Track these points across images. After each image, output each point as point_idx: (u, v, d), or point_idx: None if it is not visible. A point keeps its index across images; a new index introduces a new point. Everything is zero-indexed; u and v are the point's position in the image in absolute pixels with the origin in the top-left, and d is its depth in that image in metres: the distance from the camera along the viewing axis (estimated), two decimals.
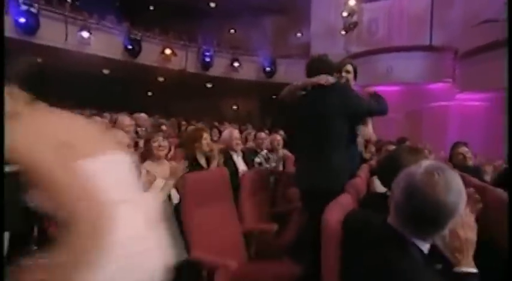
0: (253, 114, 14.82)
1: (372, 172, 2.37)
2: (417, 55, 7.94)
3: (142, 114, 6.50)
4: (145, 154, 2.45)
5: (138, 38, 9.72)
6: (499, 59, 6.54)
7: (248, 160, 3.56)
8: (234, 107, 15.25)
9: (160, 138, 2.41)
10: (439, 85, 8.04)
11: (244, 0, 11.84)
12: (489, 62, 6.80)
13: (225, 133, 3.51)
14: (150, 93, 15.03)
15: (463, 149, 3.53)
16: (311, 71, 2.01)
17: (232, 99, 15.06)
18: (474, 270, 0.90)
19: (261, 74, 11.38)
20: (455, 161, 3.45)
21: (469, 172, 2.59)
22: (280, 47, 12.09)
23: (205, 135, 2.93)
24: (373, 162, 3.10)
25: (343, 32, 9.00)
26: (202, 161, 2.97)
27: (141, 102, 13.00)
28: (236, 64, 11.21)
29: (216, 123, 7.70)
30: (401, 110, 7.74)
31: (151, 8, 14.06)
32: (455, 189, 0.83)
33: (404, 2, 9.02)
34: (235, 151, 3.44)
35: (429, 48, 8.18)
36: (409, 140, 5.28)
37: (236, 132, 3.50)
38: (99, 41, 8.84)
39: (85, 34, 8.45)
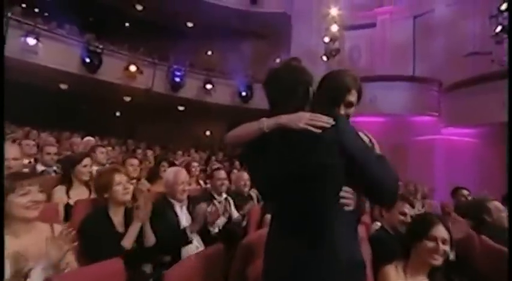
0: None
1: None
2: (401, 85, 7.49)
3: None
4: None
5: (99, 51, 8.63)
6: (484, 93, 6.18)
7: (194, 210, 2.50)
8: (207, 133, 14.27)
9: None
10: (425, 118, 7.55)
11: (223, 22, 11.38)
12: (475, 96, 6.42)
13: (168, 174, 2.47)
14: (118, 114, 13.84)
15: (464, 192, 3.87)
16: (280, 95, 1.11)
17: (205, 124, 14.12)
18: None
19: (236, 98, 10.59)
20: (458, 202, 3.72)
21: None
22: (258, 71, 11.51)
23: (119, 178, 1.91)
24: None
25: (324, 58, 8.47)
26: (117, 220, 1.92)
27: (105, 123, 11.89)
28: (209, 86, 10.37)
29: (180, 152, 6.63)
30: (387, 143, 7.12)
31: (127, 24, 13.37)
32: None
33: (386, 31, 8.75)
34: (180, 200, 2.41)
35: (413, 79, 7.78)
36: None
37: (183, 174, 2.47)
38: (49, 51, 7.70)
39: (31, 41, 7.27)
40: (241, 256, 1.67)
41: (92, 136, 7.54)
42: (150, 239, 1.94)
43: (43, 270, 1.25)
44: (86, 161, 2.47)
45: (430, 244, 1.46)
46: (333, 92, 1.16)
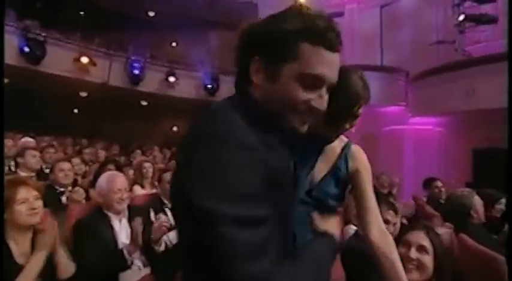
0: None
1: None
2: (369, 75, 7.15)
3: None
4: None
5: (41, 39, 7.63)
6: (449, 82, 6.23)
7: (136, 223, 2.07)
8: (175, 129, 13.62)
9: None
10: (394, 108, 7.56)
11: (188, 12, 10.74)
12: (440, 85, 6.46)
13: (102, 181, 2.01)
14: (75, 111, 12.75)
15: (438, 183, 3.85)
16: None
17: (171, 120, 13.45)
18: None
19: (202, 91, 10.06)
20: (432, 194, 3.76)
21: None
22: (225, 62, 11.04)
23: (24, 193, 1.45)
24: None
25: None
26: (18, 248, 1.45)
27: (63, 121, 10.88)
28: (172, 79, 9.72)
29: (138, 151, 6.06)
30: (357, 134, 7.06)
31: (82, 13, 12.26)
32: None
33: (354, 21, 8.64)
34: (118, 212, 1.98)
35: (381, 68, 7.75)
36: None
37: (121, 180, 2.04)
38: None
39: None
40: None
41: (44, 136, 6.75)
42: (67, 269, 1.51)
43: None
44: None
45: (402, 250, 1.18)
46: (342, 106, 0.87)
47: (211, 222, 0.52)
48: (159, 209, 2.40)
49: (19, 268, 1.37)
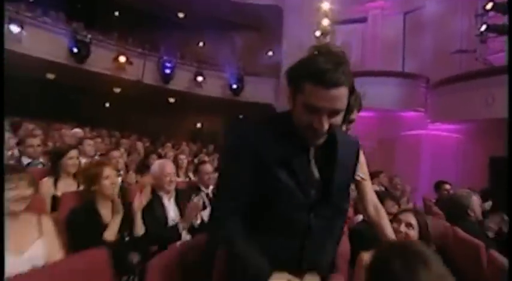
0: (218, 133, 13.92)
1: None
2: (391, 81, 7.60)
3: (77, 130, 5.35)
4: None
5: (87, 41, 8.44)
6: (469, 90, 6.34)
7: (184, 202, 2.54)
8: (198, 125, 14.23)
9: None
10: (412, 114, 7.72)
11: (215, 14, 11.25)
12: (459, 92, 6.58)
13: (155, 166, 2.49)
14: (107, 105, 13.65)
15: (447, 186, 4.13)
16: None
17: (196, 117, 14.06)
18: None
19: (227, 91, 10.56)
20: (441, 196, 4.03)
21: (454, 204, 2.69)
22: (250, 64, 11.47)
23: (108, 171, 1.93)
24: None
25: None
26: (104, 212, 1.95)
27: (96, 114, 11.73)
28: (200, 78, 10.30)
29: (169, 145, 6.63)
30: (374, 137, 7.27)
31: (117, 13, 13.08)
32: None
33: (377, 27, 8.82)
34: (167, 192, 2.44)
35: (402, 74, 7.91)
36: (383, 171, 4.80)
37: (170, 166, 2.49)
38: (34, 39, 7.49)
39: (15, 28, 7.05)
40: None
41: (82, 127, 7.47)
42: (139, 229, 2.00)
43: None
44: (72, 153, 2.47)
45: (394, 225, 1.55)
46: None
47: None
48: (196, 193, 2.88)
49: (105, 226, 1.87)
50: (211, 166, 3.09)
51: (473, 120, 6.49)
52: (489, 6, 5.51)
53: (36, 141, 3.05)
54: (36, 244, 1.45)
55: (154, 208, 2.31)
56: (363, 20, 9.04)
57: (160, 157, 3.79)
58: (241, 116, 14.02)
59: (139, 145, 5.28)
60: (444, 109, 7.10)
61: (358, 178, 1.40)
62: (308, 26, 9.00)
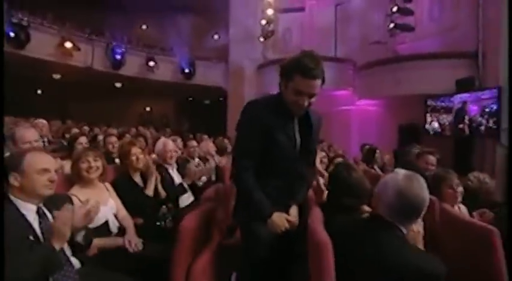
0: (169, 117, 14.15)
1: None
2: (325, 65, 8.74)
3: (41, 120, 5.38)
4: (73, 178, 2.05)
5: (25, 24, 7.98)
6: (384, 73, 7.92)
7: (182, 171, 3.38)
8: (147, 109, 14.24)
9: (91, 157, 2.05)
10: (343, 92, 9.23)
11: None
12: (377, 75, 8.15)
13: (159, 144, 3.24)
14: (39, 92, 12.75)
15: (367, 147, 5.01)
16: None
17: (145, 101, 14.03)
18: None
19: (178, 75, 10.90)
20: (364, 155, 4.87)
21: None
22: (198, 48, 11.85)
23: (134, 150, 2.62)
24: None
25: (261, 39, 9.39)
26: (138, 179, 2.68)
27: (29, 102, 10.94)
28: (152, 63, 10.43)
29: (134, 130, 7.04)
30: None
31: None
32: (425, 187, 1.18)
33: (313, 17, 10.00)
34: (170, 164, 3.22)
35: (334, 59, 9.27)
36: (324, 140, 6.13)
37: (171, 144, 3.27)
38: None
39: None
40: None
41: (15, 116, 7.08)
42: (162, 192, 2.78)
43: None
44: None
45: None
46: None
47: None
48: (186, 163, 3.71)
49: (142, 189, 2.62)
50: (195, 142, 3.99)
51: (387, 97, 8.20)
52: (395, 9, 7.12)
53: None
54: (110, 200, 2.18)
55: (165, 177, 3.10)
56: (301, 9, 10.14)
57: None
58: (190, 99, 14.41)
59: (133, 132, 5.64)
60: (367, 88, 8.69)
61: None
62: (253, 13, 9.77)
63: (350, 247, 1.20)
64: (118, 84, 12.13)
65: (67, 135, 4.70)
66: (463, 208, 2.23)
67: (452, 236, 1.76)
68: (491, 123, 5.99)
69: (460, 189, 2.18)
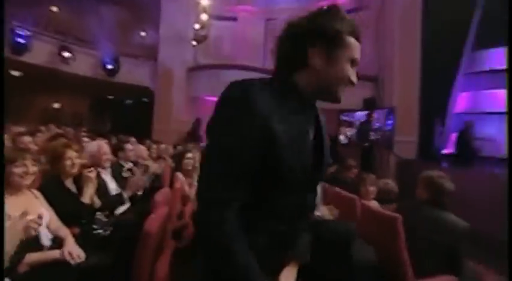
0: (82, 115, 12.66)
1: None
2: (254, 75, 9.28)
3: None
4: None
5: None
6: None
7: (116, 176, 3.19)
8: (56, 106, 12.45)
9: (29, 161, 1.80)
10: None
11: None
12: None
13: (92, 147, 2.98)
14: None
15: None
16: None
17: (54, 96, 12.24)
18: None
19: (99, 70, 9.87)
20: None
21: None
22: (124, 44, 10.99)
23: (70, 153, 2.37)
24: None
25: (194, 42, 9.31)
26: (70, 185, 2.43)
27: None
28: (66, 54, 9.17)
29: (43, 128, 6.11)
30: None
31: None
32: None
33: (246, 27, 10.40)
34: (104, 168, 3.01)
35: (263, 70, 9.79)
36: None
37: (106, 146, 3.06)
38: None
39: None
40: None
41: None
42: (96, 200, 2.56)
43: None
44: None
45: None
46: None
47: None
48: (119, 168, 3.48)
49: (77, 196, 2.38)
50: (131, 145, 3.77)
51: None
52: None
53: None
54: (41, 209, 1.95)
55: (99, 183, 2.85)
56: (234, 19, 10.44)
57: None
58: (111, 97, 13.22)
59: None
60: None
61: None
62: (185, 16, 9.60)
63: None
64: (15, 73, 10.27)
65: None
66: (375, 203, 2.84)
67: (369, 224, 2.08)
68: (387, 136, 7.66)
69: (372, 188, 2.90)
